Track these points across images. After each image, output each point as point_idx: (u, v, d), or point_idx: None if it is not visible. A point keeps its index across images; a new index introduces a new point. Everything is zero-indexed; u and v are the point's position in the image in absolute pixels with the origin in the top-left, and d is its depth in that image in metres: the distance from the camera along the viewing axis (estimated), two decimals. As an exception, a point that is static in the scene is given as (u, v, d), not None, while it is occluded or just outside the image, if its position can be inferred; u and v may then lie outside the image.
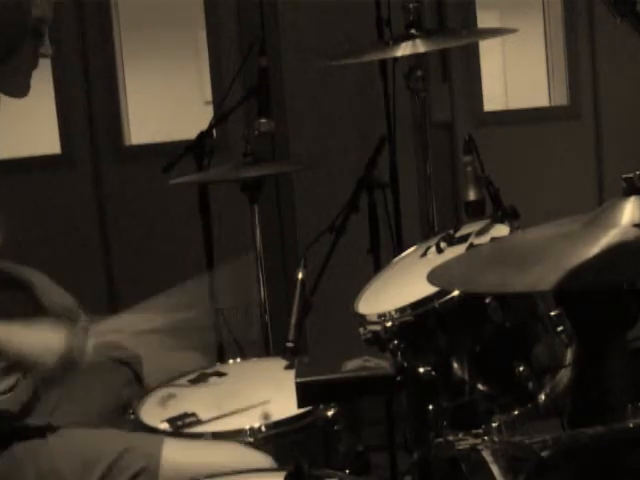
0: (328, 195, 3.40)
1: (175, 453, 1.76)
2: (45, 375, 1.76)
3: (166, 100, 4.57)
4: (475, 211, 2.13)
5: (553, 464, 1.53)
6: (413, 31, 2.51)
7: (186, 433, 1.94)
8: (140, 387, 2.14)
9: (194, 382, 2.24)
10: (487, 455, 1.57)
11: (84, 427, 1.85)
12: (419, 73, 2.71)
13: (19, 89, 1.78)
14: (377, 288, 2.13)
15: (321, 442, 1.97)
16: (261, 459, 1.78)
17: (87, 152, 3.89)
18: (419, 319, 1.85)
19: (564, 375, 1.83)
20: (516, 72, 4.93)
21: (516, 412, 1.80)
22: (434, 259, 2.08)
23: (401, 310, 1.87)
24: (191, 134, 2.97)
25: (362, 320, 1.95)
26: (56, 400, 1.94)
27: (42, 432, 1.77)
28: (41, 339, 1.68)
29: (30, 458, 1.71)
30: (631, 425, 1.54)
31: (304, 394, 1.69)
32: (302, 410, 1.90)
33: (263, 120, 2.76)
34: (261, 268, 2.83)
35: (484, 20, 3.99)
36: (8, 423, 1.79)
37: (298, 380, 1.69)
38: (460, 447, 1.64)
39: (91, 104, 3.87)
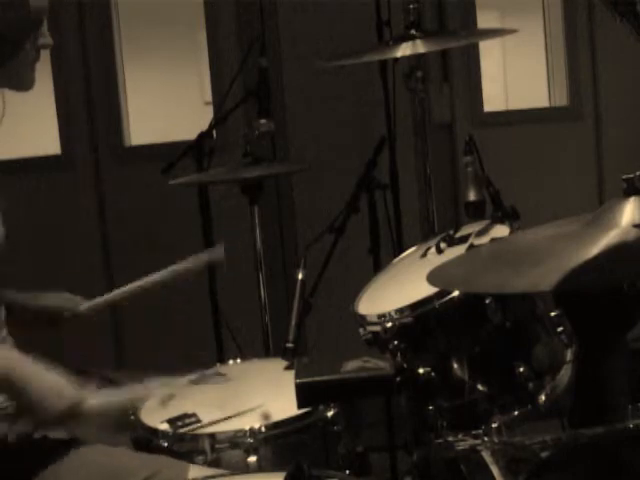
0: (328, 195, 3.40)
1: None
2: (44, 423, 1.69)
3: (166, 100, 4.56)
4: (475, 212, 2.13)
5: (553, 464, 1.53)
6: (413, 32, 2.52)
7: (186, 434, 1.94)
8: None
9: (194, 382, 2.24)
10: (487, 456, 1.58)
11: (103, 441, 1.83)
12: (419, 74, 2.72)
13: (24, 83, 1.79)
14: (377, 288, 2.13)
15: (321, 443, 1.97)
16: None
17: (87, 152, 3.89)
18: (419, 320, 1.85)
19: (564, 375, 1.83)
20: (516, 72, 4.93)
21: (516, 413, 1.80)
22: (434, 260, 2.07)
23: (401, 311, 1.86)
24: (191, 134, 2.97)
25: (362, 320, 1.95)
26: None
27: (65, 448, 1.75)
28: (54, 384, 1.62)
29: (57, 478, 1.70)
30: (631, 425, 1.54)
31: (304, 395, 1.69)
32: (302, 411, 1.90)
33: (263, 120, 2.76)
34: (261, 268, 2.83)
35: (484, 20, 3.99)
36: (29, 442, 1.77)
37: (298, 381, 1.69)
38: (460, 448, 1.64)
39: (91, 104, 3.87)
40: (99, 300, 2.15)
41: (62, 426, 1.68)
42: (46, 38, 1.77)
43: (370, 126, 3.59)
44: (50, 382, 1.63)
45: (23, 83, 1.78)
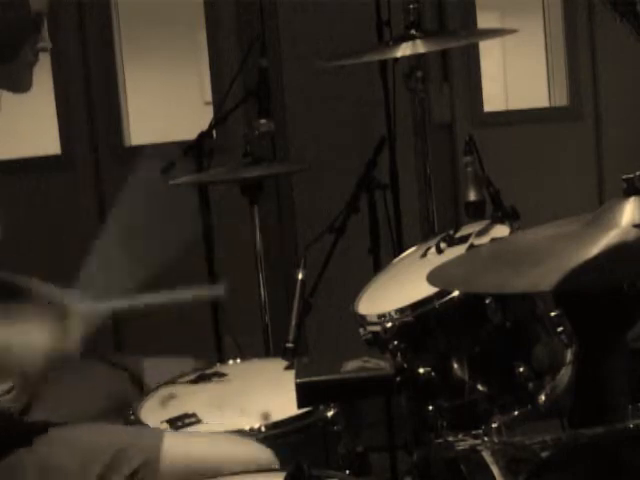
0: (328, 195, 3.39)
1: (175, 447, 1.75)
2: (33, 378, 1.69)
3: (166, 100, 4.56)
4: (475, 212, 2.13)
5: (553, 464, 1.53)
6: (413, 32, 2.52)
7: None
8: (139, 391, 2.14)
9: (194, 382, 2.24)
10: (487, 456, 1.57)
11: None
12: (419, 74, 2.72)
13: (22, 84, 1.79)
14: (377, 288, 2.13)
15: (321, 442, 1.97)
16: (261, 452, 1.77)
17: (87, 152, 3.89)
18: (419, 320, 1.85)
19: (564, 375, 1.83)
20: (516, 72, 4.93)
21: (516, 413, 1.80)
22: (434, 260, 2.08)
23: (401, 311, 1.87)
24: (191, 134, 2.97)
25: (362, 320, 1.95)
26: (54, 403, 1.93)
27: (43, 429, 1.76)
28: (25, 337, 1.61)
29: (31, 457, 1.71)
30: (631, 425, 1.54)
31: (304, 394, 1.69)
32: (302, 411, 1.90)
33: (263, 120, 2.76)
34: (261, 268, 2.83)
35: (484, 20, 3.99)
36: (9, 422, 1.79)
37: (298, 380, 1.69)
38: (460, 448, 1.64)
39: (91, 104, 3.87)
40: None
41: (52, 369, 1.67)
42: (45, 42, 1.77)
43: (370, 126, 3.58)
44: (16, 342, 1.61)
45: (21, 85, 1.79)
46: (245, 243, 2.90)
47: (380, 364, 1.72)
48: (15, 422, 1.78)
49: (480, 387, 1.86)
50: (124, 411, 2.04)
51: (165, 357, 2.19)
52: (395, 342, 1.85)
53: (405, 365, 1.74)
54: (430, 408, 1.83)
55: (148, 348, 3.68)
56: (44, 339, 1.62)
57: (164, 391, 2.18)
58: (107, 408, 2.06)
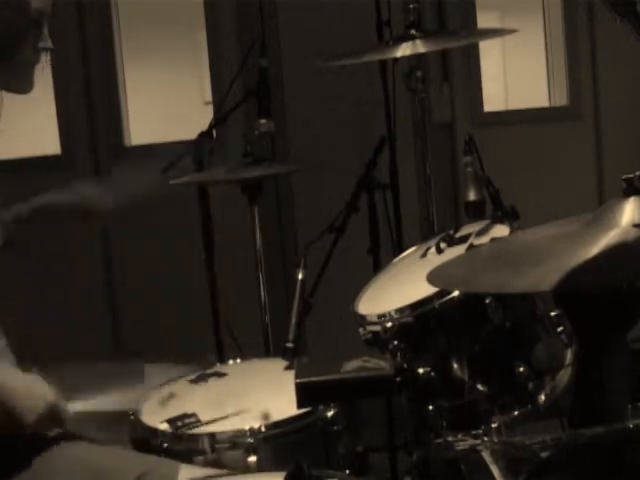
0: (328, 195, 3.39)
1: None
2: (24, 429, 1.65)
3: (166, 100, 4.57)
4: (475, 211, 2.13)
5: (553, 464, 1.53)
6: (413, 32, 2.52)
7: (186, 434, 1.94)
8: None
9: (194, 382, 2.24)
10: (487, 456, 1.58)
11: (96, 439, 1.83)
12: (419, 74, 2.72)
13: (24, 85, 1.79)
14: (377, 288, 2.13)
15: (321, 442, 1.97)
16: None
17: (87, 152, 3.89)
18: (419, 319, 1.85)
19: (564, 375, 1.83)
20: (516, 72, 4.93)
21: (516, 412, 1.80)
22: (434, 259, 2.08)
23: (401, 310, 1.87)
24: (191, 134, 2.97)
25: (362, 320, 1.95)
26: None
27: (55, 444, 1.75)
28: (28, 389, 1.60)
29: (42, 470, 1.70)
30: (631, 425, 1.54)
31: (304, 394, 1.69)
32: (302, 410, 1.90)
33: (263, 120, 2.76)
34: (261, 268, 2.83)
35: (484, 20, 3.99)
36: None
37: (298, 380, 1.69)
38: (460, 448, 1.64)
39: (91, 104, 3.87)
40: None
41: (44, 428, 1.66)
42: (46, 42, 1.77)
43: (370, 126, 3.58)
44: (24, 386, 1.61)
45: (22, 86, 1.78)
46: (245, 243, 2.90)
47: (380, 364, 1.72)
48: (25, 438, 1.77)
49: (480, 387, 1.86)
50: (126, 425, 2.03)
51: (166, 364, 2.18)
52: (395, 342, 1.85)
53: (405, 365, 1.74)
54: (430, 408, 1.83)
55: (148, 348, 3.68)
56: (46, 392, 1.61)
57: (164, 391, 2.18)
58: (109, 419, 2.05)
